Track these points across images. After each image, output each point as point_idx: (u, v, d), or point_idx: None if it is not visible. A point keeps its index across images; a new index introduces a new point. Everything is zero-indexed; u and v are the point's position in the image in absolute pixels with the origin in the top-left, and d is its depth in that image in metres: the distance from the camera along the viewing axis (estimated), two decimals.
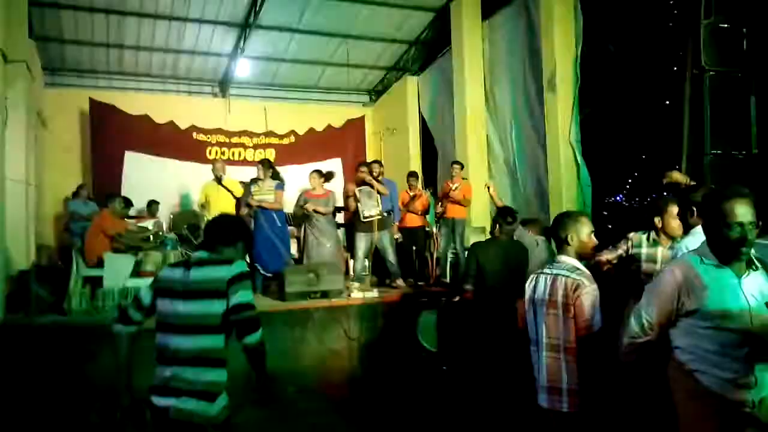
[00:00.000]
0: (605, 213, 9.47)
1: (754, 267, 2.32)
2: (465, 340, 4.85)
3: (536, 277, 2.99)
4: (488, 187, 6.14)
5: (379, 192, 7.14)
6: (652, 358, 2.52)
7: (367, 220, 7.09)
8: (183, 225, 8.39)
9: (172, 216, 9.22)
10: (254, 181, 7.28)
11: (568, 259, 2.90)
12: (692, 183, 4.61)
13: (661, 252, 3.71)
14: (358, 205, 7.10)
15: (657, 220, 3.74)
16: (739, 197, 2.26)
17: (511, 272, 4.34)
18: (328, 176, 7.52)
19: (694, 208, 3.19)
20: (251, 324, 2.49)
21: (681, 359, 2.37)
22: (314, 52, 11.35)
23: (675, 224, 3.59)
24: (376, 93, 13.43)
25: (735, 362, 2.23)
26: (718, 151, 5.60)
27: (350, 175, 9.64)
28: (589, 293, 2.74)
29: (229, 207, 7.34)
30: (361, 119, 13.02)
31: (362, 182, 7.20)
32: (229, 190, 7.41)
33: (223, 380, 2.54)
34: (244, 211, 7.11)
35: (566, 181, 7.74)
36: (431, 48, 11.25)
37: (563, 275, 2.83)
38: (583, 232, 2.91)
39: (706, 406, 2.27)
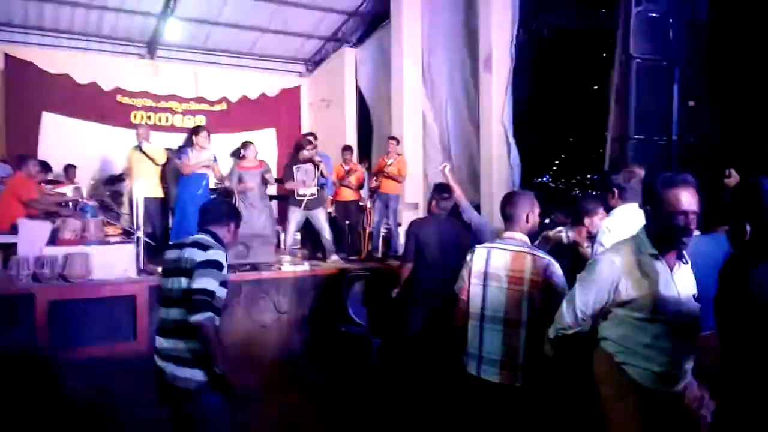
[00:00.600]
0: (533, 192, 9.79)
1: (684, 260, 2.30)
2: (399, 316, 4.90)
3: (488, 251, 2.90)
4: (445, 167, 5.90)
5: (322, 174, 7.00)
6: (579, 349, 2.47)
7: (301, 198, 6.97)
8: (104, 191, 8.04)
9: (92, 182, 8.78)
10: (182, 148, 7.00)
11: (521, 236, 2.89)
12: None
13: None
14: (295, 184, 6.96)
15: (587, 221, 3.72)
16: (685, 185, 2.17)
17: (449, 248, 4.33)
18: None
19: (616, 190, 3.32)
20: (199, 305, 2.59)
21: (609, 351, 2.31)
22: (249, 16, 10.96)
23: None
24: (313, 63, 13.17)
25: (664, 355, 2.21)
26: (641, 137, 5.84)
27: (284, 146, 9.48)
28: (559, 272, 2.77)
29: (152, 175, 7.05)
30: (297, 89, 12.79)
31: (306, 159, 7.02)
32: (150, 158, 7.10)
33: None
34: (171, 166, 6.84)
35: (497, 160, 7.91)
36: (371, 20, 11.10)
37: (526, 252, 2.81)
38: (536, 212, 2.95)
39: (636, 402, 2.23)
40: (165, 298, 2.81)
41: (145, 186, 6.71)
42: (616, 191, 3.29)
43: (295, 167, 7.02)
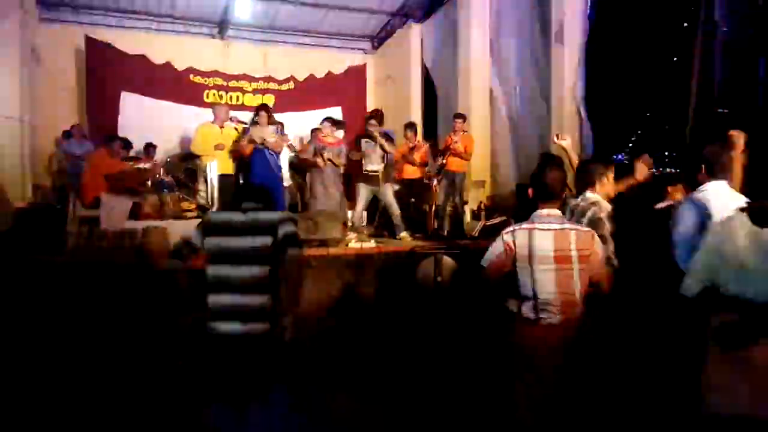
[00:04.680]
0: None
1: None
2: None
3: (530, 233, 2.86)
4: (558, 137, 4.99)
5: (384, 149, 7.06)
6: None
7: (370, 173, 7.08)
8: (180, 169, 8.32)
9: (168, 159, 9.12)
10: (253, 124, 7.12)
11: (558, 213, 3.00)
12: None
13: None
14: (363, 158, 7.08)
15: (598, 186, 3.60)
16: None
17: None
18: (339, 124, 7.46)
19: (704, 166, 3.12)
20: None
21: None
22: None
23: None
24: (378, 40, 13.07)
25: None
26: (726, 110, 5.53)
27: (350, 124, 9.52)
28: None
29: (224, 153, 7.19)
30: (363, 67, 12.77)
31: (368, 135, 7.10)
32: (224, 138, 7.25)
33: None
34: (247, 148, 6.96)
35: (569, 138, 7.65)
36: None
37: (569, 228, 2.92)
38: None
39: None
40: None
41: (219, 163, 6.91)
42: (704, 167, 3.11)
43: (363, 140, 7.14)
